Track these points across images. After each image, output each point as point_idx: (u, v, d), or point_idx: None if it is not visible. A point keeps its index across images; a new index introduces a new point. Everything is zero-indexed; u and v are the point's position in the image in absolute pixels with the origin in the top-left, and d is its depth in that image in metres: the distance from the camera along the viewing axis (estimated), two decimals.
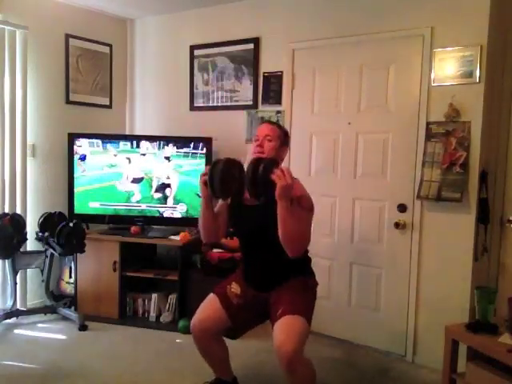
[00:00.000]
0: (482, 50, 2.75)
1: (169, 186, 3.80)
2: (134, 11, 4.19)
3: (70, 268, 3.88)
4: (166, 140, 3.80)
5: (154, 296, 3.71)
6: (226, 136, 3.80)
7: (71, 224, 3.41)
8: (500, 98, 2.89)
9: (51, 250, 3.49)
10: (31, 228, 3.60)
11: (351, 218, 3.32)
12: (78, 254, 3.61)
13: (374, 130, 3.21)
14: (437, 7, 2.90)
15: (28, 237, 3.52)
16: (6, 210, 3.55)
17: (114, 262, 3.67)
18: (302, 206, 2.16)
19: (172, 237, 3.70)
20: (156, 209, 3.83)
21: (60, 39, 3.89)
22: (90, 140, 3.81)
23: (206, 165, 3.47)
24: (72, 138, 3.81)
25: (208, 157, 3.71)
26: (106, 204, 3.85)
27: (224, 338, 2.48)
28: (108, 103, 4.30)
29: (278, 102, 3.61)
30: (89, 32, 4.07)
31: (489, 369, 2.35)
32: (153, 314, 3.71)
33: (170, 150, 3.77)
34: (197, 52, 4.03)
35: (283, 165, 2.22)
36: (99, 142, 3.82)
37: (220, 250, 3.57)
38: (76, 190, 3.81)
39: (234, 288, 2.39)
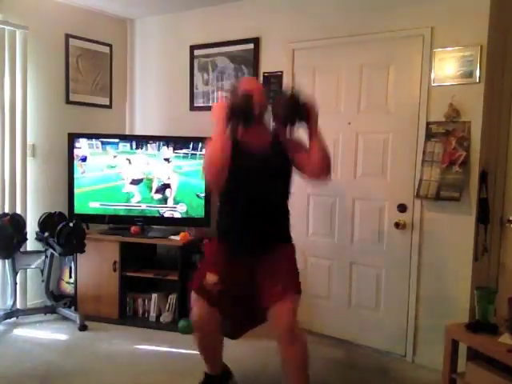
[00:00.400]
0: (481, 50, 2.75)
1: (169, 186, 3.80)
2: (134, 11, 4.19)
3: (70, 268, 3.88)
4: (165, 141, 3.80)
5: (154, 296, 3.71)
6: None
7: (71, 224, 3.42)
8: (500, 98, 2.89)
9: (51, 250, 3.50)
10: (31, 228, 3.60)
11: (351, 218, 3.32)
12: (78, 254, 3.61)
13: (374, 130, 3.21)
14: (437, 7, 2.90)
15: (28, 237, 3.53)
16: (6, 210, 3.55)
17: (114, 262, 3.67)
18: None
19: (172, 237, 3.70)
20: (156, 209, 3.83)
21: (60, 39, 3.89)
22: (90, 142, 3.81)
23: None
24: (72, 138, 3.81)
25: None
26: (106, 204, 3.84)
27: (224, 338, 2.49)
28: (108, 103, 4.30)
29: None
30: (89, 32, 4.08)
31: (489, 369, 2.35)
32: (153, 314, 3.71)
33: (170, 152, 3.77)
34: (197, 52, 4.03)
35: None
36: (99, 143, 3.82)
37: None
38: (76, 191, 3.81)
39: (210, 279, 2.33)
